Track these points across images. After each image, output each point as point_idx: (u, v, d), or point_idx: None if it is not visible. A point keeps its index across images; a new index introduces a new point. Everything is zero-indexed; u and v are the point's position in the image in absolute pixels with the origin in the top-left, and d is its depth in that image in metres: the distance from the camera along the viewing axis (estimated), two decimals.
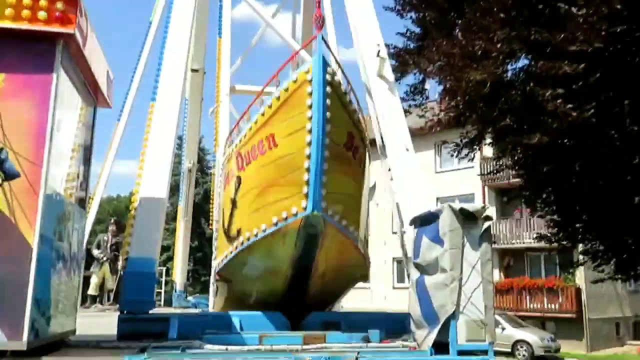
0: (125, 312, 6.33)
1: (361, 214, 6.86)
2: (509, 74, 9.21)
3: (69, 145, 5.67)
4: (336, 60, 6.70)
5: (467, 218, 5.59)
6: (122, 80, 12.32)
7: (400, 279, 32.70)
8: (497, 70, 8.79)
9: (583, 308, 25.87)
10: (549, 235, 11.42)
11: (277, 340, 5.97)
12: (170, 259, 34.99)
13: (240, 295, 7.48)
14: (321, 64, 5.51)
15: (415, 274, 6.24)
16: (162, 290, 20.44)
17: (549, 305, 26.25)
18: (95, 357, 4.86)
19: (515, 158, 10.61)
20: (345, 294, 8.35)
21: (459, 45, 8.88)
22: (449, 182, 30.21)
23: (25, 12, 4.73)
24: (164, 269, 23.49)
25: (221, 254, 7.17)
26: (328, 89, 5.54)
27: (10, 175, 4.53)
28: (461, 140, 10.52)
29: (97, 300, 12.83)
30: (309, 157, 5.50)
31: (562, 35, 7.78)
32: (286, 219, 5.81)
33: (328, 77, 5.59)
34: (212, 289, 8.64)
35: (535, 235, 14.58)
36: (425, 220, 6.11)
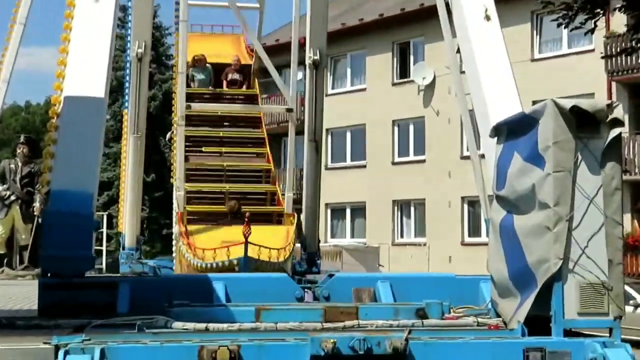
0: (49, 274, 6.52)
1: None
2: None
3: None
4: None
5: (583, 122, 5.57)
6: None
7: (474, 231, 33.07)
8: None
9: None
10: None
11: (283, 315, 6.15)
12: (114, 201, 35.70)
13: None
14: None
15: (499, 213, 6.32)
16: (104, 249, 20.97)
17: None
18: (5, 342, 5.04)
19: None
20: None
21: None
22: (553, 74, 29.87)
23: None
24: (105, 215, 24.06)
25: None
26: None
27: None
28: (575, 1, 10.31)
29: (5, 262, 13.19)
30: None
31: None
32: None
33: None
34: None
35: None
36: (516, 129, 6.11)
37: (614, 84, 28.87)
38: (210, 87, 15.69)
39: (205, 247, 10.26)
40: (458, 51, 9.10)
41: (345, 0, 40.25)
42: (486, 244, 6.73)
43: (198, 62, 15.60)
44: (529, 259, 5.75)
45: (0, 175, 13.43)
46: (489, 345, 5.46)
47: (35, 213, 12.61)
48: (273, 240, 10.57)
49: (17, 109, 78.57)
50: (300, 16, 13.29)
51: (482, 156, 8.38)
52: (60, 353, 4.80)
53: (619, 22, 21.89)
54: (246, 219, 9.44)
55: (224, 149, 14.52)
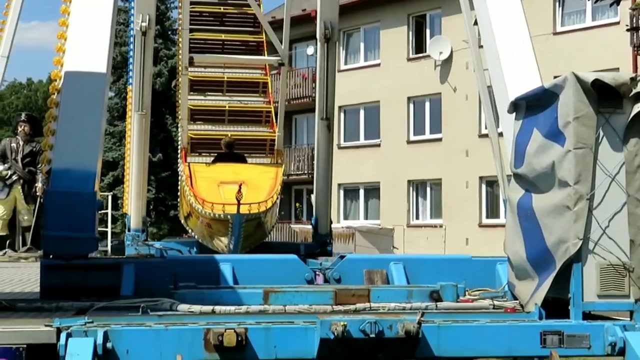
0: (51, 255, 6.57)
1: None
2: None
3: None
4: None
5: (605, 97, 5.54)
6: None
7: (492, 212, 33.07)
8: None
9: None
10: None
11: (292, 298, 6.21)
12: (119, 181, 35.81)
13: None
14: None
15: (517, 193, 6.32)
16: (109, 230, 21.06)
17: None
18: (6, 324, 5.09)
19: None
20: None
21: None
22: (576, 48, 29.73)
23: None
24: (110, 196, 24.11)
25: None
26: None
27: None
28: None
29: (7, 244, 13.25)
30: None
31: None
32: None
33: None
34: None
35: None
36: (535, 104, 6.10)
37: (639, 58, 28.69)
38: None
39: (204, 196, 11.56)
40: (476, 24, 9.06)
41: None
42: (504, 226, 6.74)
43: None
44: (547, 239, 5.75)
45: (1, 155, 13.46)
46: (505, 328, 5.47)
47: (37, 193, 12.66)
48: (262, 177, 12.47)
49: (19, 86, 78.83)
50: None
51: (501, 134, 8.36)
52: (63, 335, 4.84)
53: None
54: (238, 194, 10.37)
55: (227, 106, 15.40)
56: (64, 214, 6.49)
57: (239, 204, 10.44)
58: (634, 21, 25.83)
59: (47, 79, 66.18)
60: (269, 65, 16.45)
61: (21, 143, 13.51)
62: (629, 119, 5.58)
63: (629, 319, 5.58)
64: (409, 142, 36.76)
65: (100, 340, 4.83)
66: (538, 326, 5.49)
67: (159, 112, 36.97)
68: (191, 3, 14.74)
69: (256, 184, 11.94)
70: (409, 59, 37.01)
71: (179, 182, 14.48)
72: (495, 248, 7.31)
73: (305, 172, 37.86)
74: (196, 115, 15.01)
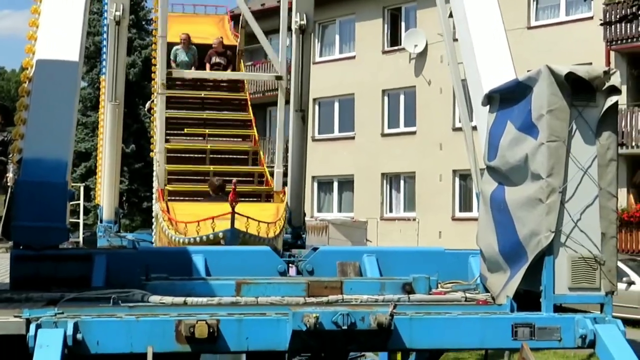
0: (21, 246, 6.52)
1: None
2: None
3: None
4: None
5: (579, 90, 5.57)
6: None
7: (465, 206, 33.19)
8: None
9: None
10: None
11: (265, 290, 6.21)
12: (92, 172, 35.65)
13: None
14: None
15: (490, 185, 6.35)
16: (81, 221, 20.95)
17: None
18: None
19: None
20: None
21: None
22: (551, 42, 29.85)
23: None
24: (82, 187, 24.01)
25: None
26: None
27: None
28: None
29: None
30: None
31: None
32: None
33: None
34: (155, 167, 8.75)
35: None
36: (509, 96, 6.13)
37: (612, 53, 28.88)
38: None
39: (188, 220, 9.86)
40: (451, 17, 9.09)
41: None
42: (477, 220, 6.77)
43: (183, 42, 15.40)
44: (520, 232, 5.79)
45: None
46: (476, 320, 5.51)
47: (8, 184, 12.53)
48: (262, 215, 10.13)
49: None
50: None
51: (475, 128, 8.39)
52: (32, 327, 4.81)
53: None
54: (232, 186, 9.04)
55: (207, 131, 14.39)
56: (34, 204, 6.46)
57: (233, 214, 8.78)
58: (607, 16, 25.97)
59: (20, 69, 65.63)
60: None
61: None
62: (602, 112, 5.62)
63: (599, 311, 5.64)
64: (383, 135, 36.78)
65: (70, 332, 4.81)
66: (509, 318, 5.54)
67: (132, 102, 36.69)
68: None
69: (254, 217, 9.71)
70: (384, 52, 36.99)
71: (154, 222, 12.43)
72: (468, 241, 7.34)
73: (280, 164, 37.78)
74: (173, 156, 13.42)
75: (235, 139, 14.58)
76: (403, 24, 36.76)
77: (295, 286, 6.39)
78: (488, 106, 6.55)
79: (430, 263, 7.07)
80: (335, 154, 36.99)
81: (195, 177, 13.25)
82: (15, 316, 4.95)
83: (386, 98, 36.95)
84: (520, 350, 5.38)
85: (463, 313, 5.63)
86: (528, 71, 5.96)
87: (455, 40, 8.74)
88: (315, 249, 7.74)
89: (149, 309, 5.46)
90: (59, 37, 7.20)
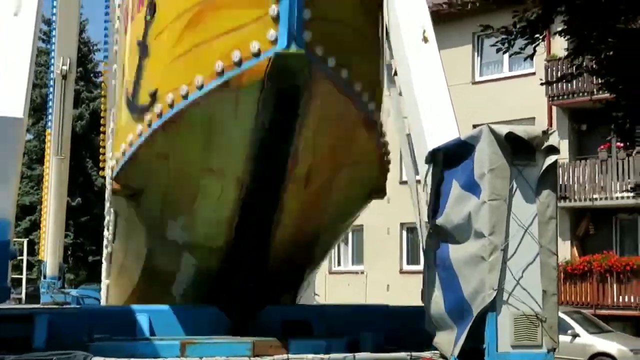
0: None
1: (377, 66, 6.65)
2: None
3: None
4: None
5: (519, 150, 5.68)
6: None
7: (413, 259, 33.25)
8: None
9: None
10: None
11: (209, 350, 6.13)
12: (36, 226, 35.02)
13: (157, 231, 7.46)
14: None
15: (435, 243, 6.39)
16: (24, 277, 20.53)
17: None
18: None
19: (603, 57, 10.67)
20: (341, 233, 8.45)
21: None
22: (494, 98, 30.36)
23: None
24: (25, 242, 23.55)
25: (122, 142, 6.91)
26: None
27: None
28: (514, 25, 10.53)
29: None
30: None
31: None
32: (240, 63, 5.61)
33: None
34: (108, 219, 8.50)
35: (631, 186, 14.79)
36: (453, 155, 6.21)
37: (554, 108, 29.45)
38: None
39: None
40: (395, 73, 9.19)
41: None
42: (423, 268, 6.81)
43: None
44: (465, 289, 5.83)
45: None
46: None
47: None
48: None
49: None
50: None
51: (419, 182, 8.46)
52: None
53: (560, 45, 22.38)
54: None
55: None
56: None
57: None
58: (549, 72, 26.53)
59: None
60: None
61: None
62: (541, 171, 5.73)
63: None
64: None
65: None
66: None
67: (79, 155, 36.43)
68: None
69: None
70: None
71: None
72: (416, 294, 7.34)
73: None
74: None
75: None
76: None
77: (241, 345, 6.32)
78: (432, 164, 6.62)
79: (377, 320, 7.05)
80: None
81: None
82: None
83: None
84: None
85: None
86: (473, 126, 6.06)
87: (400, 94, 8.83)
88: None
89: None
90: (4, 93, 7.09)
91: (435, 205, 6.41)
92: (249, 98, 5.80)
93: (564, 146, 28.01)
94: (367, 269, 34.03)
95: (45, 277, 16.13)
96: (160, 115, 6.14)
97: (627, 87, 10.83)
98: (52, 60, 16.46)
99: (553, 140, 5.77)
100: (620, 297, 27.36)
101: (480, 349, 5.70)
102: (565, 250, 27.96)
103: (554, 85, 23.10)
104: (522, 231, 5.66)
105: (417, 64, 8.34)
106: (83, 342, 6.07)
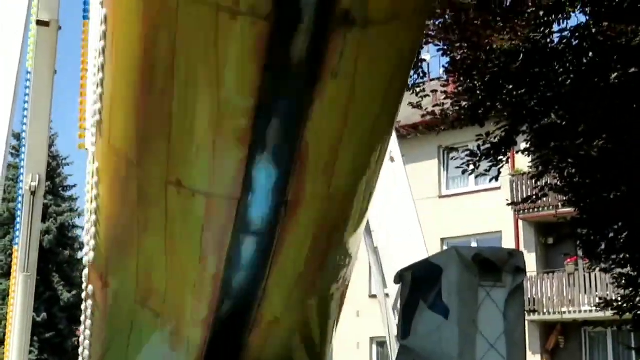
0: None
1: None
2: (555, 39, 9.50)
3: None
4: None
5: (487, 271, 5.72)
6: None
7: None
8: (535, 33, 9.05)
9: None
10: (618, 299, 11.70)
11: None
12: (0, 342, 34.29)
13: None
14: None
15: None
16: None
17: None
18: None
19: (566, 175, 10.86)
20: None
21: None
22: (461, 212, 30.63)
23: None
24: None
25: None
26: None
27: None
28: (479, 147, 10.74)
29: None
30: None
31: None
32: None
33: None
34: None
35: (598, 301, 14.83)
36: (420, 276, 6.21)
37: (520, 222, 29.76)
38: None
39: None
40: None
41: None
42: None
43: None
44: None
45: None
46: None
47: None
48: None
49: None
50: None
51: (388, 295, 8.46)
52: None
53: (524, 160, 22.77)
54: None
55: None
56: None
57: None
58: (514, 186, 26.94)
59: None
60: None
61: None
62: (509, 293, 5.76)
63: None
64: None
65: None
66: None
67: (45, 270, 36.02)
68: None
69: None
70: None
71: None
72: None
73: None
74: None
75: None
76: None
77: None
78: (400, 284, 6.64)
79: None
80: None
81: None
82: None
83: None
84: None
85: None
86: (442, 240, 6.12)
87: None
88: None
89: None
90: None
91: (404, 325, 6.40)
92: None
93: (532, 259, 28.18)
94: None
95: None
96: None
97: (589, 204, 10.99)
98: (21, 175, 16.44)
99: (519, 261, 5.83)
100: None
101: None
102: None
103: (520, 201, 23.43)
104: (491, 350, 5.65)
105: (384, 182, 8.44)
106: None
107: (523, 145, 11.17)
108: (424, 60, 11.77)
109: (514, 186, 27.17)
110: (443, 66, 11.43)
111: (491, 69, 9.48)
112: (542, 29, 9.23)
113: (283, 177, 5.13)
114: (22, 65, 8.16)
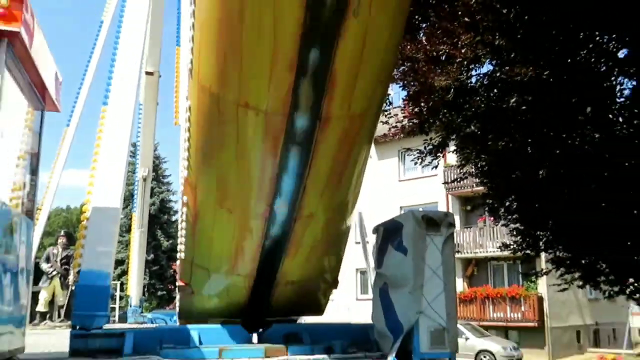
0: (77, 327, 6.16)
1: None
2: (474, 79, 9.41)
3: (14, 153, 5.48)
4: None
5: (430, 225, 5.72)
6: (72, 82, 11.99)
7: (364, 290, 32.70)
8: (461, 75, 8.96)
9: (545, 317, 26.52)
10: (512, 244, 11.66)
11: (237, 354, 5.94)
12: (125, 273, 34.31)
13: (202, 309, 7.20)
14: None
15: (378, 284, 6.31)
16: (117, 306, 20.05)
17: (512, 315, 26.83)
18: None
19: (479, 166, 10.82)
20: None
21: (423, 49, 9.03)
22: (413, 190, 30.58)
23: None
24: (118, 283, 23.02)
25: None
26: None
27: None
28: (425, 148, 10.68)
29: (47, 317, 12.42)
30: None
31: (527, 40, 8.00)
32: None
33: None
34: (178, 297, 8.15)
35: (498, 245, 14.87)
36: (389, 229, 6.20)
37: (449, 196, 29.71)
38: None
39: None
40: None
41: None
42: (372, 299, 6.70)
43: None
44: (398, 313, 5.83)
45: (47, 257, 12.88)
46: None
47: (70, 284, 12.02)
48: None
49: (60, 210, 76.22)
50: None
51: (368, 242, 8.45)
52: None
53: (453, 157, 22.77)
54: None
55: None
56: (87, 299, 6.16)
57: None
58: (446, 174, 26.92)
59: (79, 207, 64.03)
60: None
61: (60, 250, 12.91)
62: (445, 238, 5.79)
63: None
64: None
65: None
66: None
67: (152, 228, 35.90)
68: None
69: None
70: None
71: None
72: (368, 313, 7.12)
73: None
74: None
75: None
76: None
77: (258, 350, 6.12)
78: (375, 234, 6.61)
79: (343, 332, 6.85)
80: None
81: None
82: None
83: None
84: None
85: None
86: (401, 208, 6.06)
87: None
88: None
89: None
90: (106, 191, 7.03)
91: (379, 260, 6.37)
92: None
93: (458, 219, 28.14)
94: (335, 297, 33.25)
95: (131, 306, 15.78)
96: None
97: (493, 184, 11.00)
98: (137, 169, 16.47)
99: (451, 219, 5.88)
100: (495, 314, 27.22)
101: (409, 351, 5.62)
102: (460, 285, 27.85)
103: (449, 183, 23.49)
104: (433, 275, 5.66)
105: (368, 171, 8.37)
106: (156, 350, 5.87)
107: (452, 147, 11.11)
108: (390, 93, 11.66)
109: (446, 173, 27.05)
110: (402, 98, 11.35)
111: (433, 99, 9.40)
112: (466, 73, 9.14)
113: (318, 98, 4.65)
114: (136, 100, 8.09)
